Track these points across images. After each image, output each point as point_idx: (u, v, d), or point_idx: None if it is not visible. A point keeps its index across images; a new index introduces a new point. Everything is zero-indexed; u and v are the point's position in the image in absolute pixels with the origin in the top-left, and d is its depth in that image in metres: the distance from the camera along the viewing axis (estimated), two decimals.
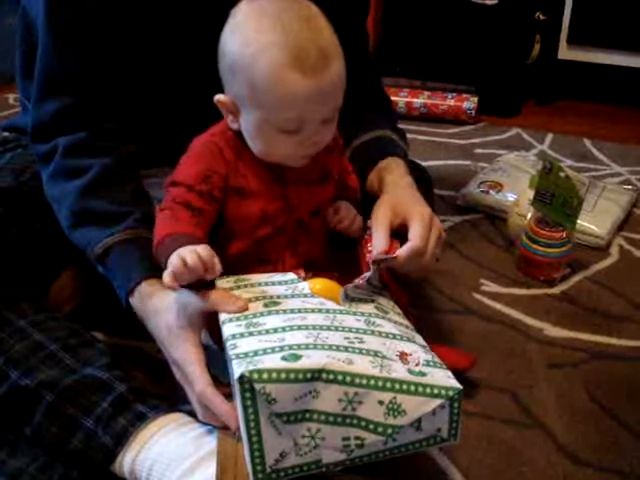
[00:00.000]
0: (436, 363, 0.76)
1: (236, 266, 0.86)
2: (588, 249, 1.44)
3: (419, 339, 0.82)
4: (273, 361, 0.68)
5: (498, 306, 1.25)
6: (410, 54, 2.35)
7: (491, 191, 1.58)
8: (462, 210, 1.60)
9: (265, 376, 0.67)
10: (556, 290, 1.30)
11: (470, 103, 2.17)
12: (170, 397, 0.89)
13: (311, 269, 0.93)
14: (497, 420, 0.99)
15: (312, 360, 0.69)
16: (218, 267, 0.77)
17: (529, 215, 1.33)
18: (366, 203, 1.00)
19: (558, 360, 1.12)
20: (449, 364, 0.81)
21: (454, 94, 2.22)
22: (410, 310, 0.91)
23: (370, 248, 0.91)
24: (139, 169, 1.02)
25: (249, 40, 0.79)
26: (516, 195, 1.50)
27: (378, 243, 0.88)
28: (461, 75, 2.29)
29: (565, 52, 2.29)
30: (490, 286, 1.31)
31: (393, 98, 2.16)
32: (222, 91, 0.85)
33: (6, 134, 1.20)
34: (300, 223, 0.91)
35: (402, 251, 0.87)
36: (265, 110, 0.80)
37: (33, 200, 1.01)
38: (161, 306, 0.84)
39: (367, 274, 0.86)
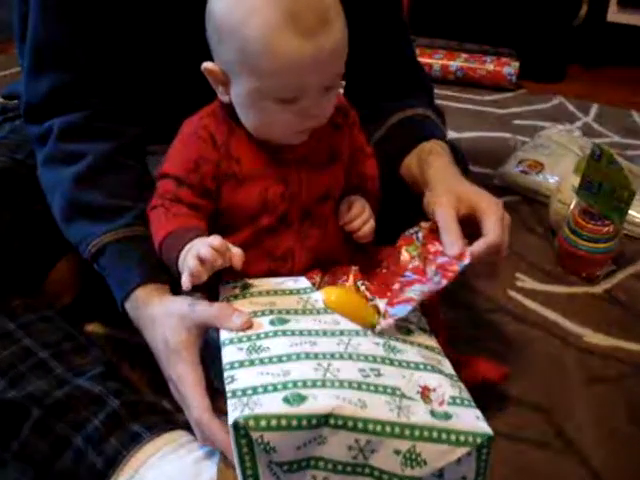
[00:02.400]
0: (463, 400, 0.67)
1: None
2: (636, 241, 1.32)
3: (446, 365, 0.72)
4: (273, 404, 0.60)
5: (534, 305, 1.14)
6: (446, 13, 2.21)
7: (531, 171, 1.46)
8: (499, 191, 1.46)
9: (263, 423, 0.58)
10: (598, 289, 1.20)
11: (511, 68, 2.04)
12: (167, 396, 0.79)
13: (326, 264, 0.85)
14: (527, 442, 0.90)
15: (318, 403, 0.60)
16: (237, 252, 0.73)
17: (573, 204, 1.21)
18: (395, 189, 0.92)
19: (598, 373, 1.02)
20: (478, 374, 0.75)
21: (493, 57, 2.09)
22: (450, 350, 0.80)
23: (434, 250, 0.81)
24: (143, 154, 0.92)
25: (239, 1, 0.71)
26: (558, 177, 1.39)
27: (451, 246, 0.79)
28: (501, 36, 2.15)
29: (615, 14, 2.17)
30: (526, 281, 1.21)
31: (427, 60, 2.07)
32: None
33: (5, 101, 1.10)
34: (306, 212, 0.82)
35: (478, 248, 0.78)
36: (258, 77, 0.72)
37: (31, 179, 0.92)
38: (158, 316, 0.77)
39: (424, 288, 0.75)
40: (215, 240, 0.71)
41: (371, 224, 0.85)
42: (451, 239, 0.79)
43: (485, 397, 0.79)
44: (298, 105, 0.74)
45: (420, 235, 0.85)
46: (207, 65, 0.76)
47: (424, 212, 0.87)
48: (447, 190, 0.84)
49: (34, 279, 0.92)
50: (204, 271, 0.71)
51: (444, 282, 0.75)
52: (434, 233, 0.83)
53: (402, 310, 0.74)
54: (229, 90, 0.77)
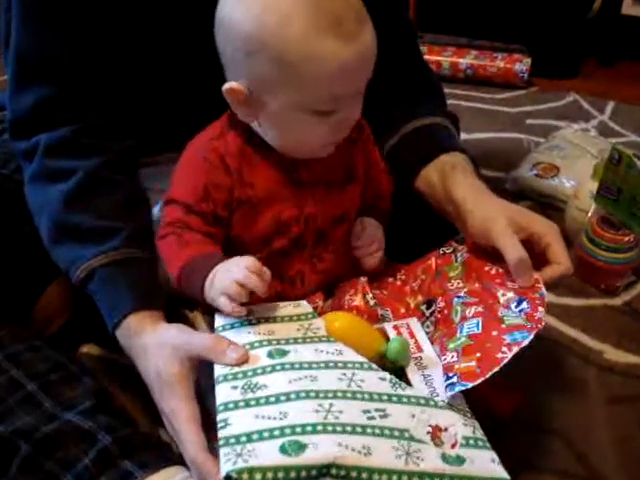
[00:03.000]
0: (477, 440, 0.62)
1: None
2: None
3: (457, 397, 0.67)
4: (269, 454, 0.55)
5: (551, 320, 1.08)
6: (455, 8, 2.13)
7: (546, 175, 1.39)
8: (510, 196, 1.40)
9: (258, 477, 0.54)
10: (618, 301, 1.14)
11: (522, 65, 1.98)
12: (163, 425, 0.75)
13: (334, 282, 0.82)
14: (545, 471, 0.84)
15: (319, 452, 0.55)
16: (268, 275, 0.70)
17: (591, 211, 1.15)
18: (405, 199, 0.88)
19: (620, 393, 0.96)
20: (487, 407, 0.70)
21: (504, 54, 2.02)
22: None
23: (494, 272, 0.78)
24: (135, 169, 0.88)
25: (268, 7, 0.66)
26: (574, 181, 1.33)
27: (524, 275, 0.75)
28: (511, 32, 2.08)
29: (631, 7, 2.09)
30: None
31: (436, 58, 2.01)
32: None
33: None
34: (321, 235, 0.79)
35: (551, 277, 0.77)
36: (297, 90, 0.68)
37: (19, 196, 0.87)
38: (150, 346, 0.73)
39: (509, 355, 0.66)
40: (250, 262, 0.69)
41: (379, 255, 0.83)
42: (523, 268, 0.75)
43: (501, 423, 0.75)
44: (336, 116, 0.70)
45: (460, 256, 0.82)
46: (232, 85, 0.71)
47: (461, 231, 0.84)
48: (499, 215, 0.79)
49: (22, 306, 0.88)
50: (245, 295, 0.68)
51: (540, 314, 0.71)
52: (479, 254, 0.80)
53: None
54: (256, 110, 0.72)
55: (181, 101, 0.87)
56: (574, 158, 1.42)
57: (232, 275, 0.68)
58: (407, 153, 0.91)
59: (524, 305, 0.73)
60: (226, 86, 0.71)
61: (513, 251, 0.76)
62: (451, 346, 0.70)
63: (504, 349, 0.66)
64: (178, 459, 0.73)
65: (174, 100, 0.87)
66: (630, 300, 1.14)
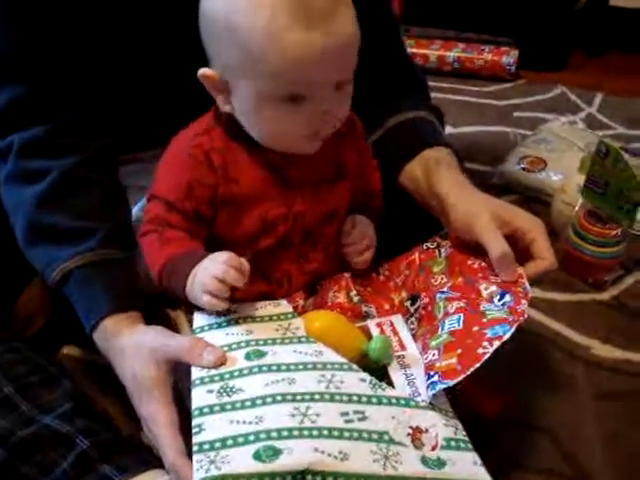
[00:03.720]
0: (459, 442, 0.61)
1: None
2: None
3: (439, 396, 0.66)
4: (243, 461, 0.54)
5: (536, 315, 1.06)
6: (442, 1, 2.11)
7: (533, 169, 1.38)
8: (497, 190, 1.39)
9: None
10: (606, 295, 1.13)
11: (510, 57, 1.97)
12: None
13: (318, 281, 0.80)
14: (531, 470, 0.83)
15: (294, 458, 0.54)
16: (246, 267, 0.69)
17: (578, 205, 1.14)
18: (390, 194, 0.87)
19: (608, 389, 0.95)
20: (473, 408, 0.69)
21: (492, 47, 2.01)
22: None
23: (477, 266, 0.77)
24: (114, 167, 0.86)
25: None
26: (561, 175, 1.32)
27: (508, 270, 0.74)
28: (499, 24, 2.05)
29: None
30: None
31: (424, 51, 2.00)
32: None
33: None
34: (307, 234, 0.78)
35: (534, 272, 0.76)
36: (264, 78, 0.66)
37: None
38: (127, 348, 0.72)
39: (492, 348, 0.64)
40: (227, 257, 0.68)
41: (371, 252, 0.81)
42: (507, 263, 0.74)
43: (485, 421, 0.74)
44: (311, 103, 0.68)
45: (443, 251, 0.81)
46: (205, 72, 0.70)
47: (445, 226, 0.83)
48: (482, 210, 0.78)
49: (1, 307, 0.87)
50: (226, 290, 0.68)
51: (523, 306, 0.70)
52: (462, 249, 0.79)
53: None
54: (231, 98, 0.71)
55: (165, 97, 0.85)
56: (561, 151, 1.41)
57: (210, 271, 0.68)
58: (391, 148, 0.90)
59: (507, 298, 0.72)
60: (200, 72, 0.70)
61: (496, 246, 0.75)
62: (433, 344, 0.68)
63: (485, 344, 0.65)
64: (158, 463, 0.72)
65: (158, 96, 0.86)
66: (618, 294, 1.13)
